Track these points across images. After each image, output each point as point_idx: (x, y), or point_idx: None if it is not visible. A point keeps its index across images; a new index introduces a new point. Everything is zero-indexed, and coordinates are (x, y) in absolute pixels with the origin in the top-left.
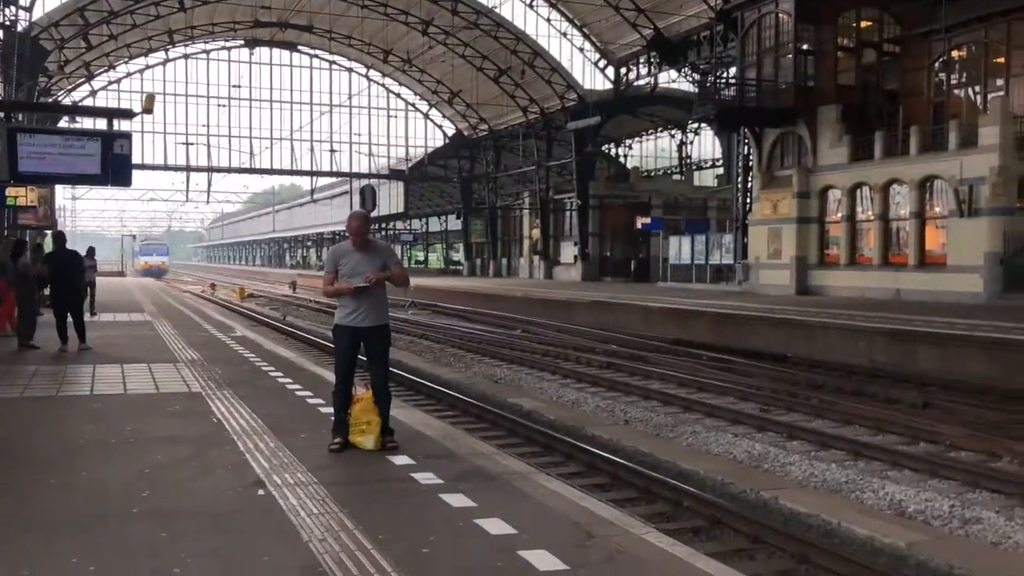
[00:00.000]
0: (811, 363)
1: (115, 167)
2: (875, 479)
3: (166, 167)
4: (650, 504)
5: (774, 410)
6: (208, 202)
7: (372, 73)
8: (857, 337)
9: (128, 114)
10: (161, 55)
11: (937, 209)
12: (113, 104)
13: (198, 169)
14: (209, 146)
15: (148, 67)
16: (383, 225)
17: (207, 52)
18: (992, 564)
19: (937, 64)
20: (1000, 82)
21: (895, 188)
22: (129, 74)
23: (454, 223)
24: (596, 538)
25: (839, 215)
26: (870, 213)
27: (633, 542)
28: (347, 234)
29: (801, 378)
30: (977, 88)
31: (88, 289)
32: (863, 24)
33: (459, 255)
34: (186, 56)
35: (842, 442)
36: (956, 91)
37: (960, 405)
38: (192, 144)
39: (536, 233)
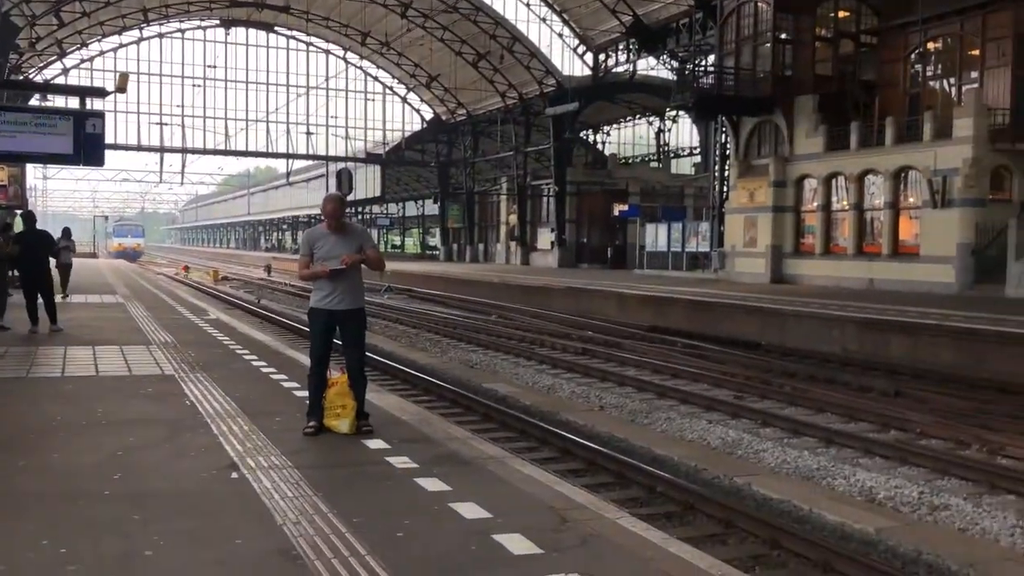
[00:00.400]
0: (784, 351)
1: (87, 147)
2: (846, 466)
3: (139, 147)
4: (624, 489)
5: (748, 397)
6: (182, 183)
7: (349, 56)
8: (830, 326)
9: (101, 93)
10: (135, 33)
11: (911, 200)
12: (86, 83)
13: (172, 150)
14: (183, 127)
15: (122, 46)
16: (359, 209)
17: (182, 31)
18: (959, 550)
19: (913, 56)
20: (975, 74)
21: (870, 178)
22: (102, 52)
23: (431, 208)
24: (570, 522)
25: (814, 204)
26: (845, 203)
27: (607, 526)
28: (323, 217)
29: (775, 366)
30: (952, 80)
31: (64, 271)
32: (841, 15)
33: (436, 240)
34: (160, 35)
35: (814, 429)
36: (932, 83)
37: (930, 393)
38: (166, 124)
39: (513, 219)
